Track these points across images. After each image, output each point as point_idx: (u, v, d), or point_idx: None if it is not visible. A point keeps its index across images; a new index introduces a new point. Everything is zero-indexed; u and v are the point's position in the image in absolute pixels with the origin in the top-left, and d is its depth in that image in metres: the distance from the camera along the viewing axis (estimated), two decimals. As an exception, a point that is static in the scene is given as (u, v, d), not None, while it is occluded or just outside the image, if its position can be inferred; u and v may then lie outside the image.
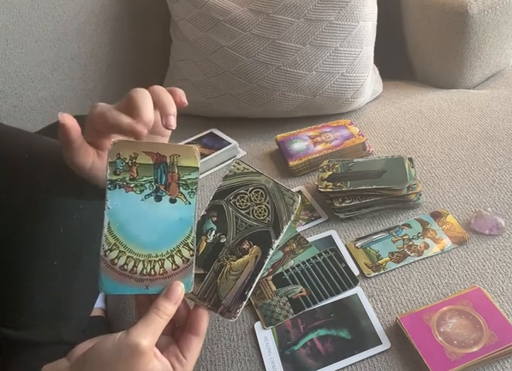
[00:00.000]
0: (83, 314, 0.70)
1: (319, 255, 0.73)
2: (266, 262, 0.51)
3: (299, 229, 0.79)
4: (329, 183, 0.80)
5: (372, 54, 1.05)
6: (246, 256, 0.52)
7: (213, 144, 1.02)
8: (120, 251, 0.47)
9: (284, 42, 0.97)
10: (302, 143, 0.95)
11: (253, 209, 0.53)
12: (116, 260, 0.47)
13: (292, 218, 0.53)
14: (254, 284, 0.51)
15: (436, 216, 0.76)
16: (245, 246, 0.52)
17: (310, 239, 0.77)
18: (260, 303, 0.69)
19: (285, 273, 0.72)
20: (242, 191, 0.54)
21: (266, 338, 0.65)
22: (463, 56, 1.08)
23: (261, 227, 0.53)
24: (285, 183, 0.89)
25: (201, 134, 1.07)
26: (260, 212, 0.53)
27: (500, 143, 0.89)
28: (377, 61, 1.09)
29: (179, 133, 1.07)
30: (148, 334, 0.43)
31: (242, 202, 0.54)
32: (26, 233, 0.65)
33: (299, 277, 0.71)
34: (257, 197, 0.54)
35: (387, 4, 1.11)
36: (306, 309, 0.67)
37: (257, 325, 0.67)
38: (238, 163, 0.55)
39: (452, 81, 1.12)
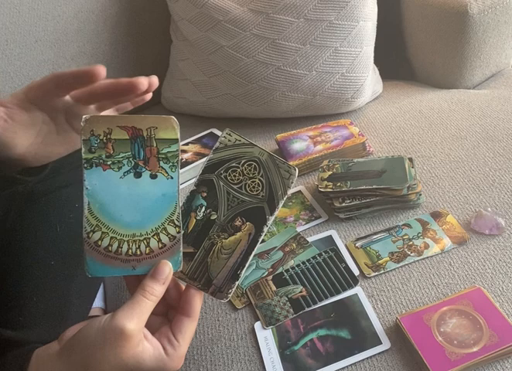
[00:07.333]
0: (82, 313, 0.70)
1: (319, 255, 0.73)
2: (260, 239, 0.49)
3: (299, 229, 0.79)
4: (329, 183, 0.80)
5: (372, 54, 1.05)
6: (238, 234, 0.49)
7: (213, 144, 1.02)
8: (103, 232, 0.45)
9: (284, 42, 0.97)
10: (302, 143, 0.95)
11: (246, 184, 0.50)
12: (100, 242, 0.45)
13: (289, 192, 0.50)
14: (248, 263, 0.49)
15: (436, 216, 0.76)
16: (237, 223, 0.49)
17: (310, 239, 0.77)
18: (260, 303, 0.69)
19: (285, 273, 0.72)
20: (234, 164, 0.50)
21: (266, 338, 0.65)
22: (463, 56, 1.08)
23: (255, 203, 0.49)
24: (285, 183, 0.89)
25: (201, 134, 1.07)
26: (253, 187, 0.50)
27: (500, 143, 0.88)
28: (377, 61, 1.09)
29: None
30: (133, 316, 0.42)
31: (234, 176, 0.50)
32: (23, 234, 0.65)
33: (299, 277, 0.71)
34: (250, 170, 0.50)
35: (387, 4, 1.11)
36: (306, 309, 0.67)
37: (257, 325, 0.67)
38: (229, 134, 0.51)
39: (452, 81, 1.12)
